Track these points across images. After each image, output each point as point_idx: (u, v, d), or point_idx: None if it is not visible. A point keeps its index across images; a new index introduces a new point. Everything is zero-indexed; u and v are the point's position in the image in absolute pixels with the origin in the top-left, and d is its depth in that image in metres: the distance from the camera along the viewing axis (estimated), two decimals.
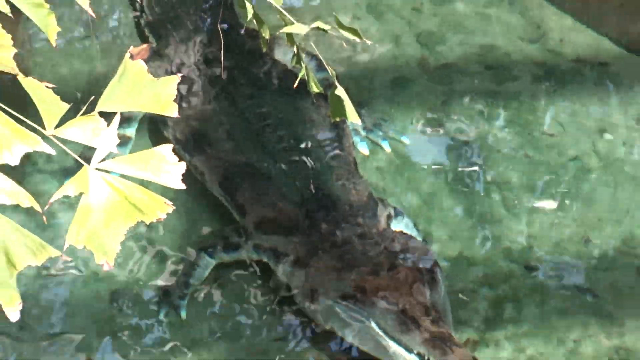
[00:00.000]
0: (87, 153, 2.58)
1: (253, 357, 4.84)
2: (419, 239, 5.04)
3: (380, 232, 4.83)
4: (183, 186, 2.61)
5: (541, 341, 4.93)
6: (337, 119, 3.96)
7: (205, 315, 4.96)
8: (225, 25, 5.50)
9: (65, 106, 2.57)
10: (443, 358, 4.40)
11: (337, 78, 3.92)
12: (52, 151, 2.56)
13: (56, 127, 2.54)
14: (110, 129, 2.56)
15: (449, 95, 5.68)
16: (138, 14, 5.87)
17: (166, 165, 2.59)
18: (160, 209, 2.58)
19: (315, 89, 4.07)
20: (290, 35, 3.94)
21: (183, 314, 4.95)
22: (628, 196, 5.39)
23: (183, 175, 2.60)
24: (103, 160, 2.55)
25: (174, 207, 2.61)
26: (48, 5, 2.84)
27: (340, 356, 4.84)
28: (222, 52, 5.31)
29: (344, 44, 5.68)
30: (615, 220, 5.31)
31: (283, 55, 5.53)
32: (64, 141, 2.57)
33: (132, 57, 2.68)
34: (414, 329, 4.48)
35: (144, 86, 2.65)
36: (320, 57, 4.67)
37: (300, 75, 4.06)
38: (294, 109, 5.21)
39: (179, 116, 2.75)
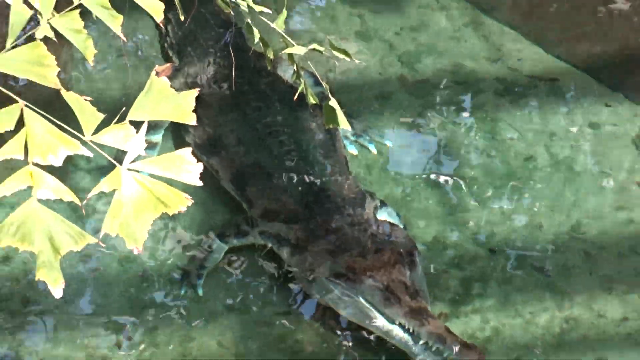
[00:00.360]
0: (119, 155, 2.57)
1: (260, 328, 4.82)
2: (401, 226, 5.02)
3: (367, 220, 4.81)
4: (200, 183, 2.59)
5: (503, 314, 4.91)
6: (331, 126, 3.95)
7: (219, 292, 4.94)
8: (236, 47, 5.49)
9: (101, 116, 2.56)
10: (420, 328, 4.40)
11: (330, 92, 3.90)
12: (90, 154, 2.54)
13: (93, 133, 2.53)
14: (139, 135, 2.54)
15: (425, 106, 5.67)
16: (163, 37, 5.84)
17: (187, 166, 2.58)
18: (181, 203, 2.56)
19: (312, 100, 4.05)
20: (291, 56, 3.93)
21: (200, 292, 4.92)
22: (575, 190, 5.38)
23: (201, 174, 2.59)
24: (133, 161, 2.54)
25: (193, 201, 2.59)
26: (86, 31, 2.82)
27: (333, 327, 4.82)
28: (233, 70, 5.30)
29: (336, 63, 5.67)
30: (565, 210, 5.29)
31: (285, 72, 5.51)
32: (100, 145, 2.55)
33: (157, 74, 2.66)
34: (396, 303, 4.47)
35: (167, 99, 2.64)
36: (316, 73, 4.66)
37: (299, 90, 4.04)
38: (294, 118, 5.19)
39: (197, 124, 2.73)
